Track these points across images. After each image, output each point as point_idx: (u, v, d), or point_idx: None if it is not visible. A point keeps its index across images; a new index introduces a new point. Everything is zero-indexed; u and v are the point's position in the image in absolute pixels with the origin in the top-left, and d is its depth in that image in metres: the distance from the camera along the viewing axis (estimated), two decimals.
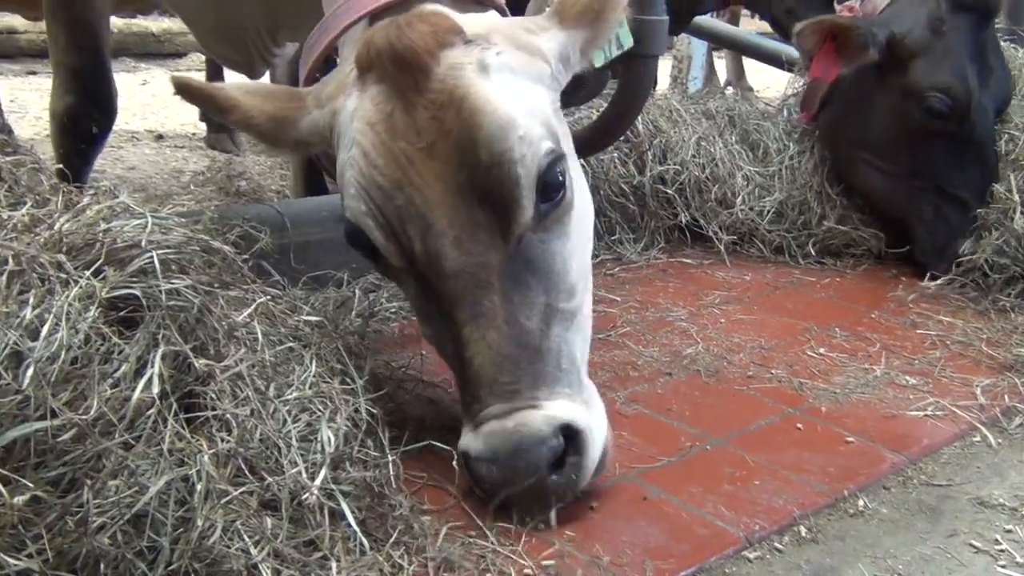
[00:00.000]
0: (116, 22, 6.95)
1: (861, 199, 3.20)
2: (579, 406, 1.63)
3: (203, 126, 4.80)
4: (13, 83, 6.19)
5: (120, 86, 2.84)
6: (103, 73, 2.69)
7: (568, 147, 1.77)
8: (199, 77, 5.61)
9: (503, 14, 1.91)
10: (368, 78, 1.65)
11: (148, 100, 5.93)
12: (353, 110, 1.66)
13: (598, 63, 1.96)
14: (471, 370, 1.62)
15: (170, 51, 7.50)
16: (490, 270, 1.62)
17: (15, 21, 6.74)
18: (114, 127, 2.81)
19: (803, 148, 3.30)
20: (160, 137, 4.88)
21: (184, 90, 1.76)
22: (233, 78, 4.63)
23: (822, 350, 2.41)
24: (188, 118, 5.23)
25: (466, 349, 1.62)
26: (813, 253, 3.13)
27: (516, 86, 1.66)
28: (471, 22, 1.72)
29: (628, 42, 2.15)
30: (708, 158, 3.22)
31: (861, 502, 1.76)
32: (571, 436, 1.59)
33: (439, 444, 1.70)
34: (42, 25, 2.69)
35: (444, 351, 1.74)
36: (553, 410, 1.59)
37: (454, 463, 1.65)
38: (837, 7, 3.15)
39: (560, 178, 1.67)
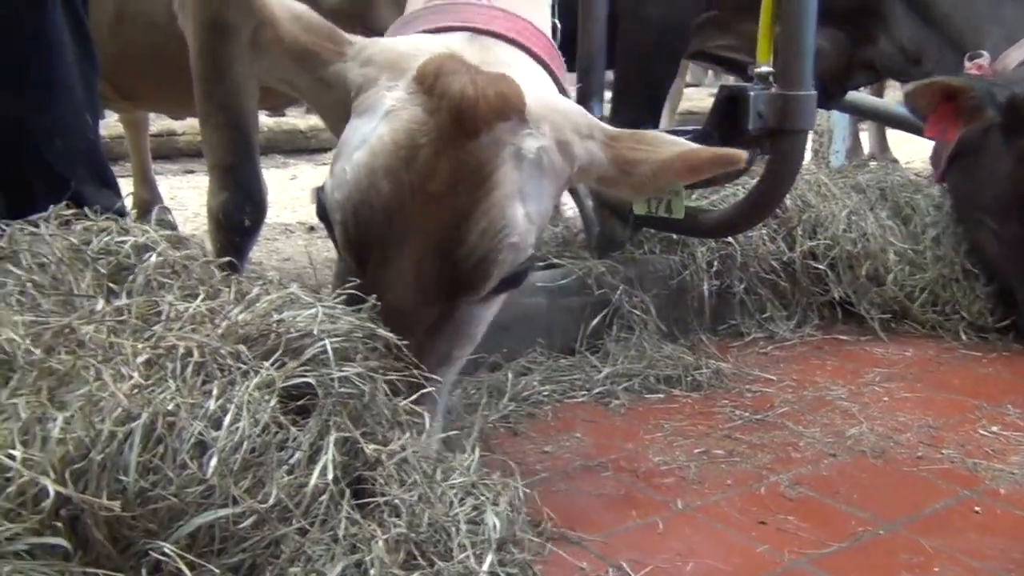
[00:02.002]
0: (267, 121, 7.27)
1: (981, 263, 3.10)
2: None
3: None
4: (172, 182, 6.51)
5: (271, 181, 2.96)
6: (253, 169, 2.82)
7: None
8: None
9: (557, 77, 1.92)
10: (420, 99, 1.64)
11: (298, 194, 6.14)
12: (389, 111, 1.66)
13: (638, 210, 1.92)
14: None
15: (316, 146, 7.78)
16: (418, 322, 1.68)
17: (174, 124, 7.11)
18: (268, 220, 2.93)
19: (945, 223, 3.21)
20: (311, 229, 5.03)
21: None
22: None
23: (995, 428, 2.30)
24: None
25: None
26: (964, 337, 3.00)
27: (535, 188, 1.69)
28: (534, 97, 1.71)
29: (679, 213, 2.12)
30: (859, 233, 3.15)
31: None
32: None
33: (589, 536, 1.68)
34: (198, 125, 2.84)
35: None
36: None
37: None
38: (967, 64, 3.06)
39: (522, 279, 1.74)
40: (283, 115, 7.67)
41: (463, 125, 1.61)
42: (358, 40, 1.79)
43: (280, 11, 1.75)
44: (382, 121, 1.66)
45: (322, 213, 1.73)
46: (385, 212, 1.63)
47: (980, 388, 2.59)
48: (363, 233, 1.65)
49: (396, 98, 1.67)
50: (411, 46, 1.77)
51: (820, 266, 3.12)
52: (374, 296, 1.63)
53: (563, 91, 1.92)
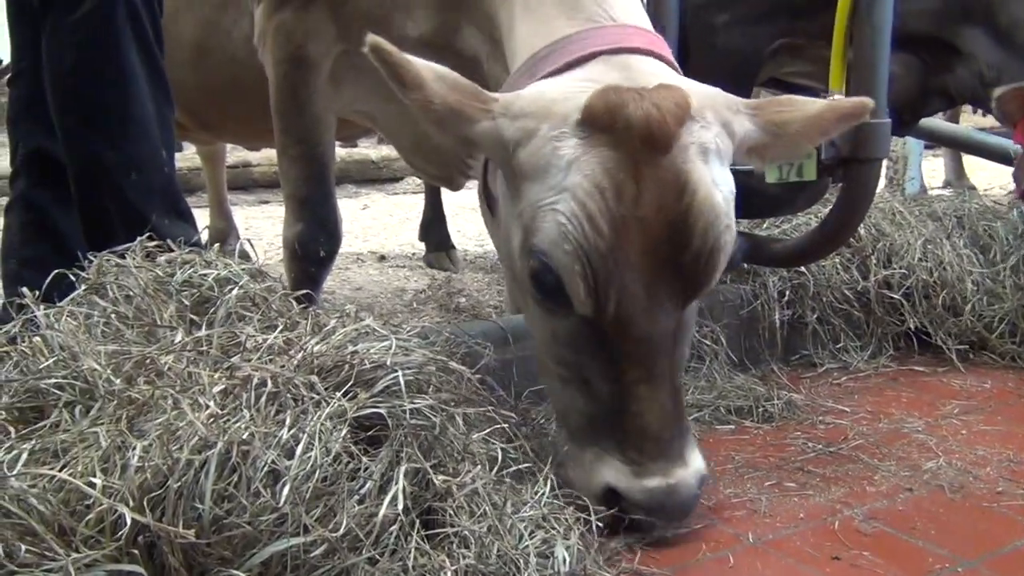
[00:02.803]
0: (338, 152, 7.35)
1: None
2: (699, 451, 1.88)
3: (422, 246, 4.99)
4: (248, 212, 6.64)
5: (343, 211, 2.99)
6: (329, 201, 2.85)
7: None
8: (416, 200, 5.86)
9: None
10: (600, 138, 1.70)
11: (369, 223, 6.23)
12: (573, 160, 1.71)
13: (770, 178, 1.99)
14: (637, 423, 1.78)
15: (388, 176, 7.89)
16: (668, 336, 1.78)
17: (249, 156, 7.25)
18: (340, 250, 2.96)
19: None
20: (382, 258, 5.10)
21: (377, 51, 1.73)
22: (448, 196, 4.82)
23: None
24: (407, 239, 5.46)
25: (636, 404, 1.77)
26: None
27: (723, 174, 1.79)
28: (690, 91, 1.79)
29: (811, 175, 2.13)
30: (936, 262, 3.10)
31: None
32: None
33: (660, 570, 1.67)
34: (273, 156, 2.88)
35: (586, 390, 1.82)
36: (695, 463, 1.84)
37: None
38: None
39: (738, 257, 1.86)
40: (355, 145, 7.79)
41: (656, 145, 1.69)
42: (502, 96, 1.82)
43: (426, 72, 1.76)
44: (572, 172, 1.70)
45: (547, 277, 1.75)
46: (612, 251, 1.69)
47: None
48: (598, 278, 1.70)
49: (572, 146, 1.72)
50: (559, 91, 1.80)
51: (895, 295, 3.07)
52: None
53: None
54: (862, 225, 3.05)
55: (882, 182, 5.41)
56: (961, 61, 3.36)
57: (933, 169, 7.51)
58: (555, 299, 1.79)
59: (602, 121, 1.70)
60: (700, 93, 1.82)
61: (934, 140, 4.93)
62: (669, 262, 1.72)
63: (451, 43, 2.43)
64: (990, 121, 4.25)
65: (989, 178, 6.75)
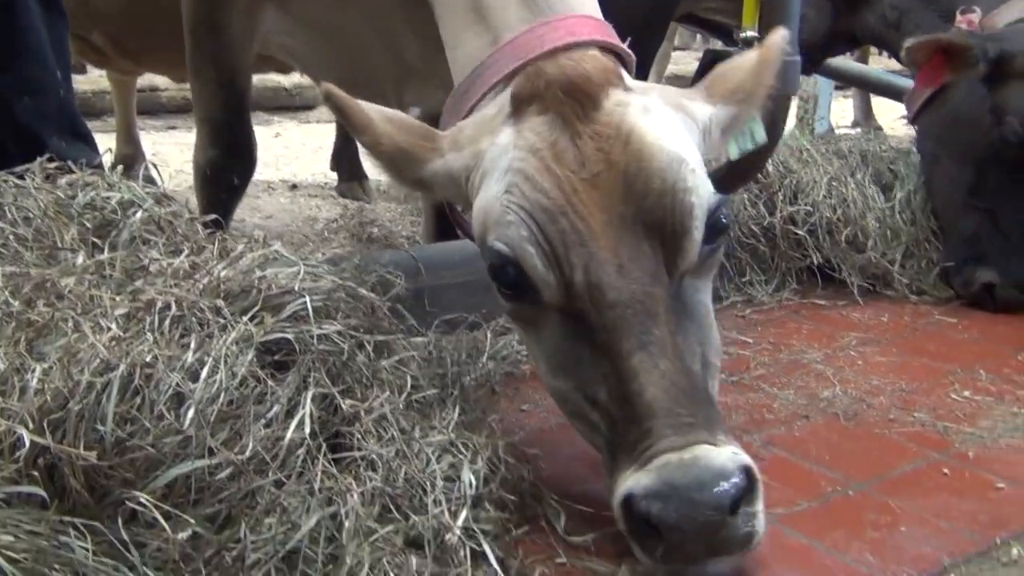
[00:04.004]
0: None
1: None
2: (743, 452, 1.52)
3: (334, 175, 4.94)
4: (155, 137, 6.49)
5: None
6: (244, 127, 2.77)
7: None
8: (330, 129, 5.78)
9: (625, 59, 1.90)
10: (528, 111, 1.65)
11: (281, 152, 6.13)
12: (508, 143, 1.63)
13: (733, 155, 1.86)
14: (641, 402, 1.49)
15: (301, 104, 7.77)
16: (657, 300, 1.55)
17: (157, 80, 7.05)
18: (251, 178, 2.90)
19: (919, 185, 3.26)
20: (294, 187, 5.04)
21: (330, 98, 1.71)
22: None
23: (967, 393, 2.33)
24: (320, 168, 5.40)
25: (635, 380, 1.50)
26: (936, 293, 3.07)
27: (674, 131, 1.65)
28: (627, 77, 1.74)
29: (761, 137, 2.05)
30: (840, 199, 3.17)
31: (1015, 551, 1.68)
32: (749, 483, 1.47)
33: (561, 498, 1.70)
34: (182, 83, 2.80)
35: (591, 403, 1.61)
36: (728, 446, 1.48)
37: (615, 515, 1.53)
38: (958, 18, 3.10)
39: (724, 221, 1.66)
40: (266, 72, 7.62)
41: (583, 97, 1.61)
42: (446, 133, 1.76)
43: (375, 115, 1.72)
44: (510, 152, 1.62)
45: (501, 263, 1.61)
46: (559, 208, 1.56)
47: (954, 353, 2.62)
48: (552, 242, 1.56)
49: (508, 134, 1.65)
50: (496, 106, 1.74)
51: (800, 231, 3.13)
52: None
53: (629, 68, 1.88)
54: (770, 162, 3.11)
55: (792, 121, 5.51)
56: (867, 5, 3.43)
57: (843, 109, 7.64)
58: (523, 294, 1.62)
59: (526, 94, 1.64)
60: (644, 84, 1.76)
61: (843, 80, 5.04)
62: (632, 218, 1.57)
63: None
64: (897, 64, 4.34)
65: (896, 119, 6.89)
